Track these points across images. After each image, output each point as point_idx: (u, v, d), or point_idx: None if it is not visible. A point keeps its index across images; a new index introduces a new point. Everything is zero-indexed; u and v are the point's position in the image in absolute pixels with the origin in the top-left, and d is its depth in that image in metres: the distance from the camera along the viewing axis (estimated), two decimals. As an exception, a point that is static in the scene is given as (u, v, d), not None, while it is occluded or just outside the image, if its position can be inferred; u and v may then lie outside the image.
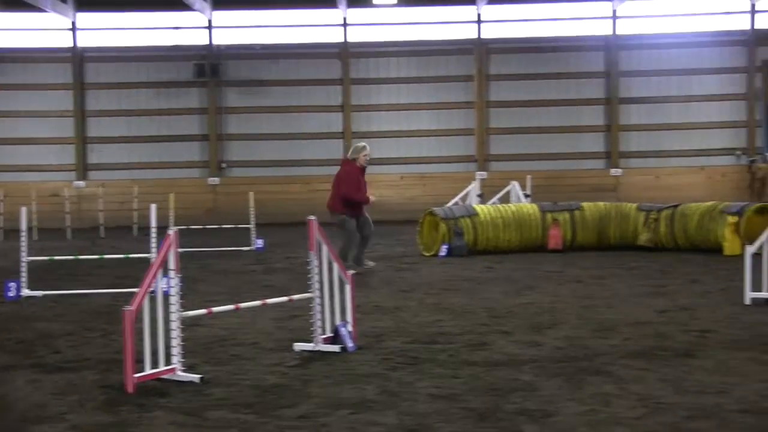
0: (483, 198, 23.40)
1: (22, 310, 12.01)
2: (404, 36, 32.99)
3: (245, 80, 32.99)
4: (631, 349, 8.71)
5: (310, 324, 8.80)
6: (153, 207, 13.02)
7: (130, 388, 7.19)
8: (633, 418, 6.35)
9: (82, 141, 32.88)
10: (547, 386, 7.26)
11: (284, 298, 9.44)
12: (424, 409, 6.67)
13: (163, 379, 7.51)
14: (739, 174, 32.11)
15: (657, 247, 18.84)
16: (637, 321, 10.26)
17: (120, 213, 29.21)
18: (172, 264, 7.49)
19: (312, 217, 8.74)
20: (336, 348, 8.69)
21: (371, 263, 16.13)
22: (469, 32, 32.96)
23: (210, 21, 32.79)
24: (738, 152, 32.48)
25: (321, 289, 8.79)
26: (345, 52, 32.85)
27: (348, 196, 15.62)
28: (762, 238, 11.36)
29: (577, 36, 32.92)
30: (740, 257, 11.73)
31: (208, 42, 32.88)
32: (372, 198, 15.93)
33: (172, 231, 7.52)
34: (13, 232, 20.32)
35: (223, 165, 32.90)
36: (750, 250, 11.34)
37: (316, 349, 8.70)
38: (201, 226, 23.37)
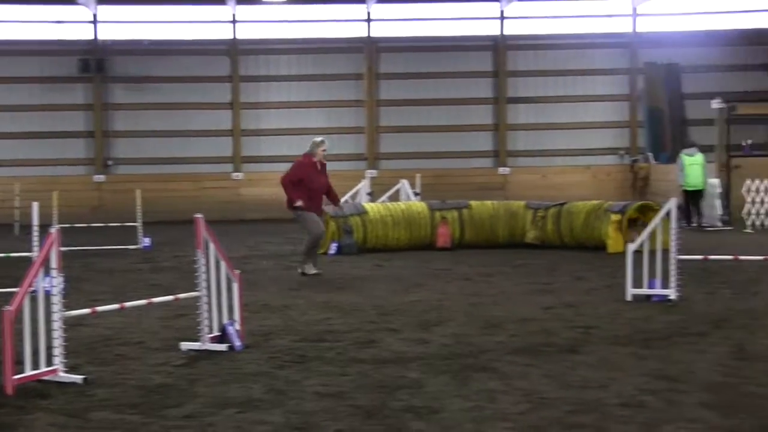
0: (373, 196, 23.49)
1: None
2: (294, 33, 32.81)
3: (132, 76, 32.41)
4: (516, 345, 8.85)
5: (197, 323, 8.74)
6: (35, 205, 12.72)
7: (9, 390, 7.04)
8: (517, 413, 6.46)
9: (-38, 137, 31.93)
10: (433, 383, 7.34)
11: (171, 297, 9.36)
12: (311, 407, 6.67)
13: (45, 380, 7.37)
14: (623, 173, 32.80)
15: (544, 244, 19.16)
16: (523, 318, 10.43)
17: (1, 211, 28.44)
18: (54, 263, 7.37)
19: (199, 215, 8.67)
20: (223, 347, 8.64)
21: (313, 270, 15.15)
22: (359, 31, 32.99)
23: (95, 15, 32.12)
24: (621, 152, 33.19)
25: (208, 288, 8.74)
26: (234, 49, 32.55)
27: (282, 182, 15.36)
28: (642, 236, 11.67)
29: (465, 36, 33.21)
30: (623, 255, 12.02)
31: (93, 37, 32.22)
32: (299, 203, 15.12)
33: (54, 229, 7.40)
34: None
35: (109, 162, 32.27)
36: (631, 248, 11.64)
37: (203, 348, 8.65)
38: (86, 225, 22.93)
